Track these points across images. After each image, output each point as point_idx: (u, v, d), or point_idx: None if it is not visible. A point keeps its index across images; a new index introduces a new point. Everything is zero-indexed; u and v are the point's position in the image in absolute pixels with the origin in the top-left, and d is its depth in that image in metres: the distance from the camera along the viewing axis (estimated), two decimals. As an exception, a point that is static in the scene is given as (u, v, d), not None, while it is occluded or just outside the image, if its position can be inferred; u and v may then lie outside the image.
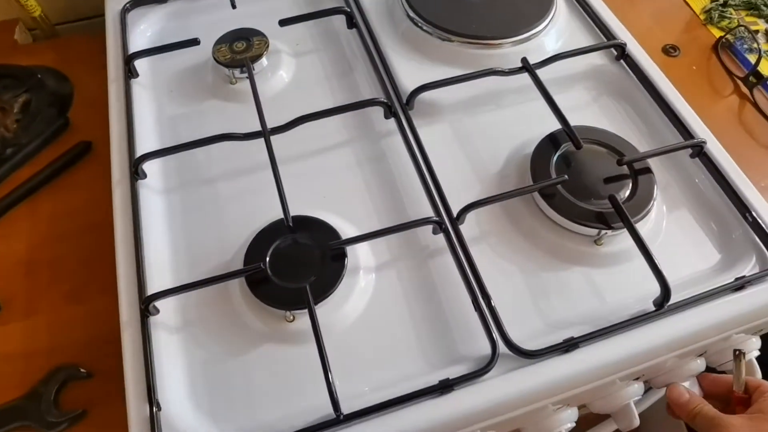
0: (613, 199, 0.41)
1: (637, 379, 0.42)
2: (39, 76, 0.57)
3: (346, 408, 0.34)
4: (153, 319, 0.38)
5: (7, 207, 0.49)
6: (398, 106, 0.48)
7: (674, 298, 0.39)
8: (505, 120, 0.50)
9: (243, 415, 0.36)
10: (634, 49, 0.52)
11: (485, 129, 0.50)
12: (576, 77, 0.53)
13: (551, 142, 0.46)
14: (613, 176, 0.44)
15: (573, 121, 0.45)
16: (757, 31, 0.63)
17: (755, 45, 0.61)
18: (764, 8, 0.65)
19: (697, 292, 0.39)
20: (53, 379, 0.41)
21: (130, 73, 0.50)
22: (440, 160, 0.46)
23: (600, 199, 0.42)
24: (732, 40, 0.62)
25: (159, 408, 0.35)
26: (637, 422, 0.43)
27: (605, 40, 0.53)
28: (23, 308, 0.44)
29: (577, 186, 0.43)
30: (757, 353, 0.46)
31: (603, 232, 0.42)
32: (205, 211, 0.45)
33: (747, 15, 0.65)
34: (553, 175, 0.43)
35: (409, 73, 0.51)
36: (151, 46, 0.53)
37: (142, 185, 0.45)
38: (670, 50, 0.61)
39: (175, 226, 0.44)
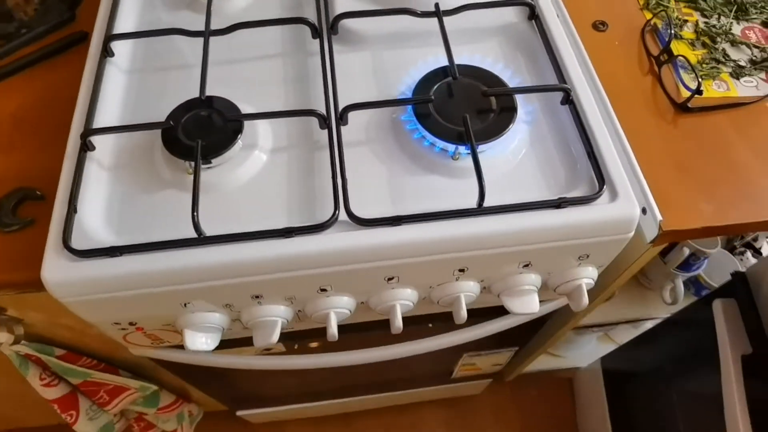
0: (464, 120, 0.49)
1: (463, 272, 0.50)
2: (59, -23, 0.70)
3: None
4: (91, 155, 0.50)
5: (8, 74, 0.62)
6: (325, 28, 0.58)
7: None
8: (421, 57, 0.58)
9: (139, 234, 0.47)
10: (546, 10, 0.59)
11: (400, 63, 0.58)
12: (488, 31, 0.60)
13: (441, 73, 0.54)
14: (481, 108, 0.52)
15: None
16: (686, 21, 0.68)
17: (670, 31, 0.66)
18: (701, 1, 0.70)
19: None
20: (14, 195, 0.53)
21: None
22: (350, 82, 0.55)
23: (462, 122, 0.50)
24: (659, 26, 0.68)
25: (75, 211, 0.46)
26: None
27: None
28: (7, 146, 0.57)
29: (446, 109, 0.51)
30: (589, 281, 0.53)
31: (458, 148, 0.50)
32: (153, 88, 0.56)
33: (685, 6, 0.70)
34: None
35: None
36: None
37: (110, 62, 0.56)
38: (599, 25, 0.68)
39: (130, 95, 0.56)
